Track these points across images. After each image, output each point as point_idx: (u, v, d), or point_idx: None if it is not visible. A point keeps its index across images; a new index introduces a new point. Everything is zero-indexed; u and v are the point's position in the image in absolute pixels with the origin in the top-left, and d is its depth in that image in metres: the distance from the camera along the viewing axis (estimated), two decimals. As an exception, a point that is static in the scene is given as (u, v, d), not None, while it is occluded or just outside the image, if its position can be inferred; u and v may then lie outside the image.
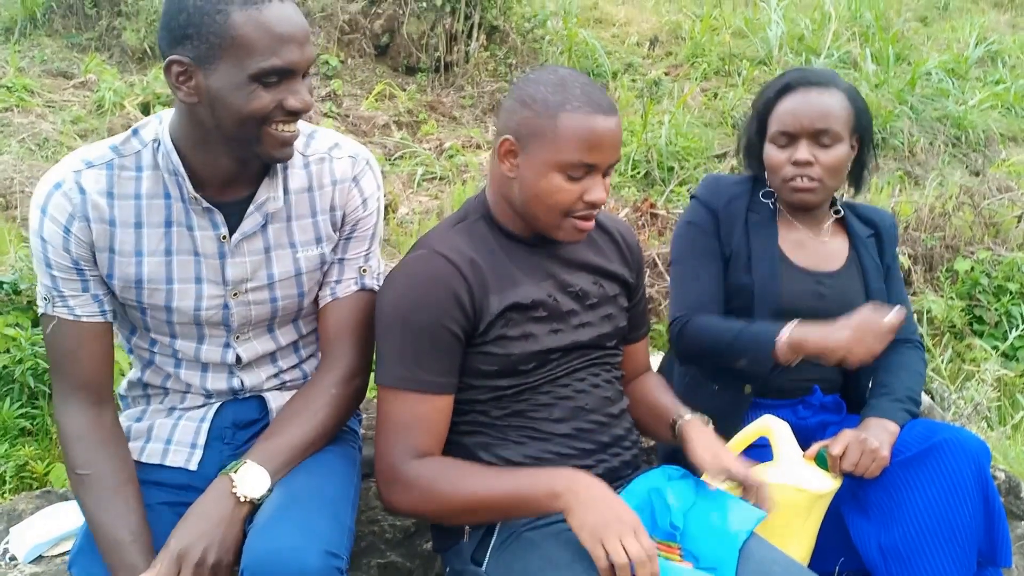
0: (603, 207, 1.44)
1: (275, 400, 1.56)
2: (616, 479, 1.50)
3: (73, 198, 1.35)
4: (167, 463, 1.49)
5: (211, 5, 1.24)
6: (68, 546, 1.69)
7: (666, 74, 6.65)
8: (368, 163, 1.54)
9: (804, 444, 1.71)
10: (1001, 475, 2.10)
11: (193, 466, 1.49)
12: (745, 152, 1.93)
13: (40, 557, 1.70)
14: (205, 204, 1.39)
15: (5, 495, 2.46)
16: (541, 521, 1.39)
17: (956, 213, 4.64)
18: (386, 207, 4.80)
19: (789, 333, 1.66)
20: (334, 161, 1.50)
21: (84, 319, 1.40)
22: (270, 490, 1.35)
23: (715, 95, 6.35)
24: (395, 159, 5.32)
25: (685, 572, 1.32)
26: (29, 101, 5.28)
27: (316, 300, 1.56)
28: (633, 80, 6.53)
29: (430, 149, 5.49)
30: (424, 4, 6.29)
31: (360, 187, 1.52)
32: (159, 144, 1.38)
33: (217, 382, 1.53)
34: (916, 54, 6.96)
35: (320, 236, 1.50)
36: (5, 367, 2.79)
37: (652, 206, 4.37)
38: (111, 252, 1.39)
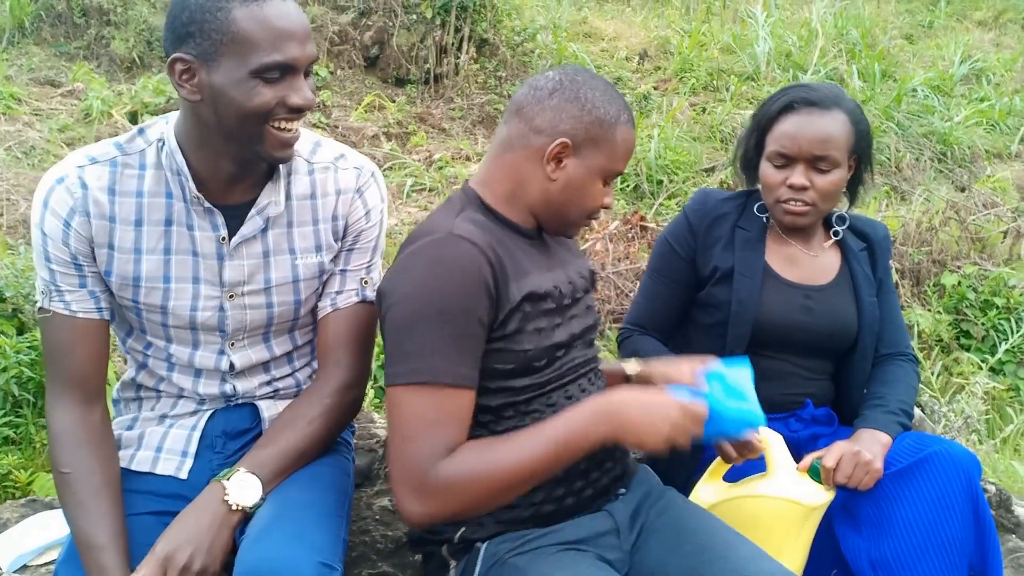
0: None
1: (268, 410, 1.54)
2: (605, 493, 1.47)
3: (75, 192, 1.35)
4: (157, 471, 1.47)
5: (213, 2, 1.24)
6: (53, 555, 1.67)
7: (655, 88, 6.69)
8: (373, 175, 1.54)
9: (796, 457, 1.71)
10: (992, 488, 2.10)
11: (183, 475, 1.47)
12: (742, 164, 1.92)
13: (25, 567, 1.68)
14: (207, 204, 1.39)
15: (-13, 505, 2.43)
16: (526, 546, 1.35)
17: (943, 228, 4.69)
18: (383, 236, 4.79)
19: None
20: (339, 171, 1.50)
21: (80, 315, 1.39)
22: (263, 499, 1.34)
23: (703, 110, 6.39)
24: (384, 170, 5.32)
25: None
26: (16, 109, 5.25)
27: (313, 311, 1.55)
28: (622, 94, 6.57)
29: (419, 160, 5.49)
30: (414, 16, 6.31)
31: (364, 199, 1.52)
32: (163, 144, 1.39)
33: (209, 387, 1.51)
34: (902, 71, 7.04)
35: (320, 244, 1.49)
36: (-11, 375, 2.76)
37: (642, 219, 4.38)
38: (110, 248, 1.38)
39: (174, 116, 1.41)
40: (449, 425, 1.26)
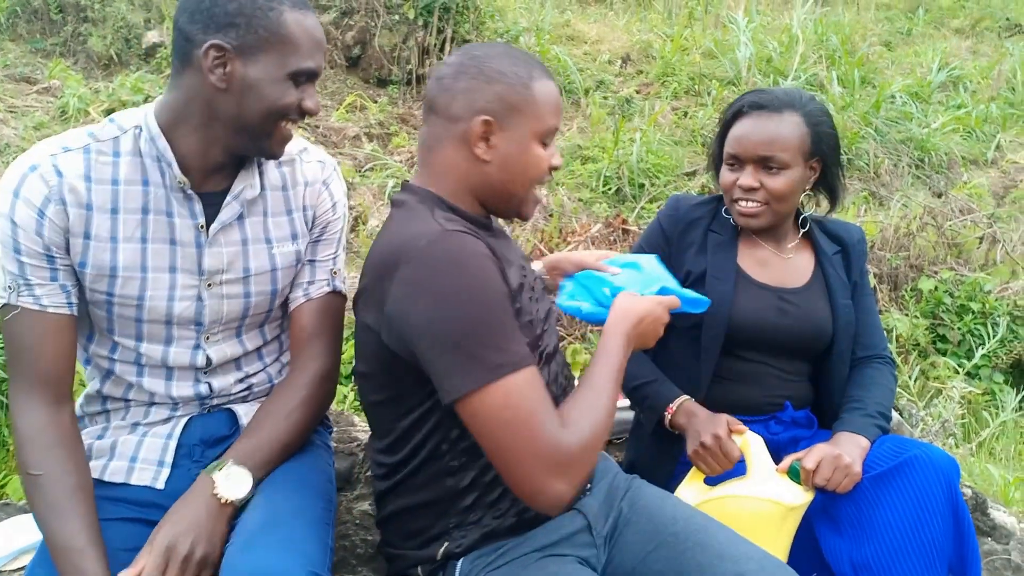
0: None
1: (246, 414, 1.53)
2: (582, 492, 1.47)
3: (50, 180, 1.32)
4: (132, 482, 1.43)
5: (266, 1, 1.30)
6: (26, 560, 1.64)
7: (637, 92, 6.71)
8: (335, 168, 1.60)
9: (776, 459, 1.72)
10: (968, 492, 2.12)
11: (160, 484, 1.43)
12: (714, 170, 1.96)
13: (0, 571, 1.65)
14: (189, 191, 1.39)
15: (-41, 508, 2.38)
16: (502, 559, 1.33)
17: (920, 233, 4.73)
18: (356, 219, 4.77)
19: (677, 407, 1.77)
20: (304, 164, 1.55)
21: (50, 310, 1.34)
22: (252, 492, 1.34)
23: (685, 114, 6.42)
24: (365, 171, 5.29)
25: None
26: (-9, 106, 5.18)
27: (283, 305, 1.57)
28: (605, 97, 6.58)
29: (401, 161, 5.47)
30: (397, 17, 6.29)
31: (330, 191, 1.57)
32: (141, 131, 1.37)
33: (183, 388, 1.48)
34: (881, 78, 7.10)
35: (296, 233, 1.53)
36: (-39, 376, 2.71)
37: (624, 222, 4.39)
38: (86, 238, 1.35)
39: (151, 105, 1.40)
40: (548, 400, 1.23)
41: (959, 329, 4.14)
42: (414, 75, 6.39)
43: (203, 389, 1.50)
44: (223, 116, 1.33)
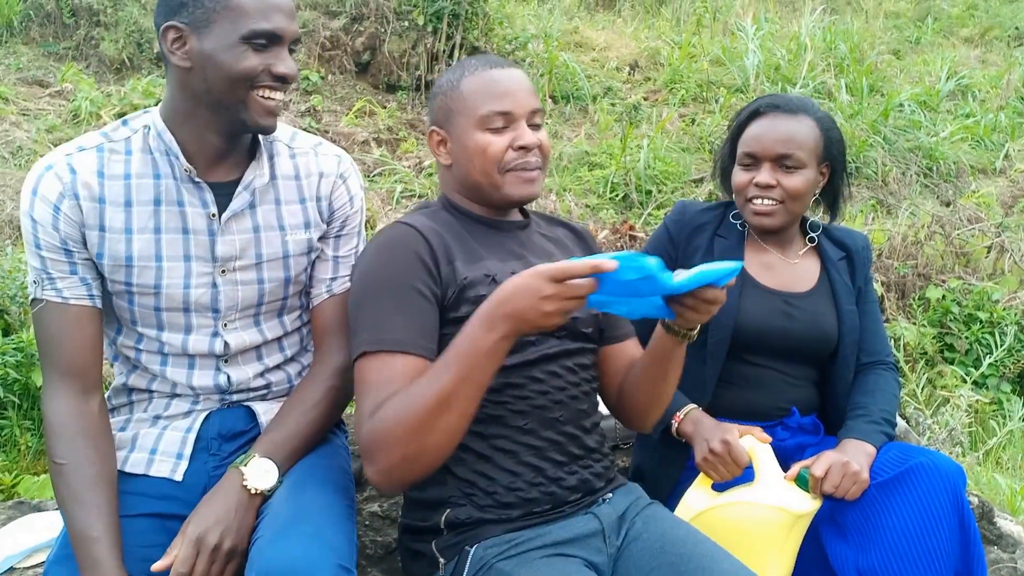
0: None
1: (265, 413, 1.55)
2: (591, 491, 1.49)
3: (64, 177, 1.39)
4: (151, 473, 1.47)
5: None
6: (41, 557, 1.66)
7: (645, 99, 6.72)
8: (352, 164, 1.63)
9: (782, 466, 1.72)
10: (974, 500, 2.12)
11: (178, 477, 1.47)
12: (720, 176, 1.98)
13: (12, 568, 1.66)
14: (196, 179, 1.43)
15: (-29, 507, 2.40)
16: (513, 550, 1.36)
17: (928, 242, 4.73)
18: (364, 223, 4.79)
19: (684, 415, 1.76)
20: (320, 156, 1.58)
21: (72, 302, 1.41)
22: (280, 481, 1.38)
23: (693, 121, 6.43)
24: (374, 176, 5.32)
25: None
26: (3, 109, 5.21)
27: (300, 295, 1.60)
28: (612, 104, 6.59)
29: (409, 167, 5.49)
30: (406, 23, 6.32)
31: (347, 185, 1.60)
32: (149, 129, 1.44)
33: (203, 378, 1.52)
34: (889, 86, 7.10)
35: (308, 221, 1.55)
36: (-27, 376, 2.74)
37: (631, 228, 4.40)
38: (101, 230, 1.41)
39: (156, 107, 1.47)
40: (385, 388, 1.30)
41: (967, 338, 4.14)
42: (423, 81, 6.42)
43: (223, 380, 1.53)
44: (198, 95, 1.38)
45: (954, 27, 9.24)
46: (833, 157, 1.85)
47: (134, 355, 1.52)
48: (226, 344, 1.52)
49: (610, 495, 1.51)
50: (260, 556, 1.24)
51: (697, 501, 1.69)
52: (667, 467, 1.84)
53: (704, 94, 6.82)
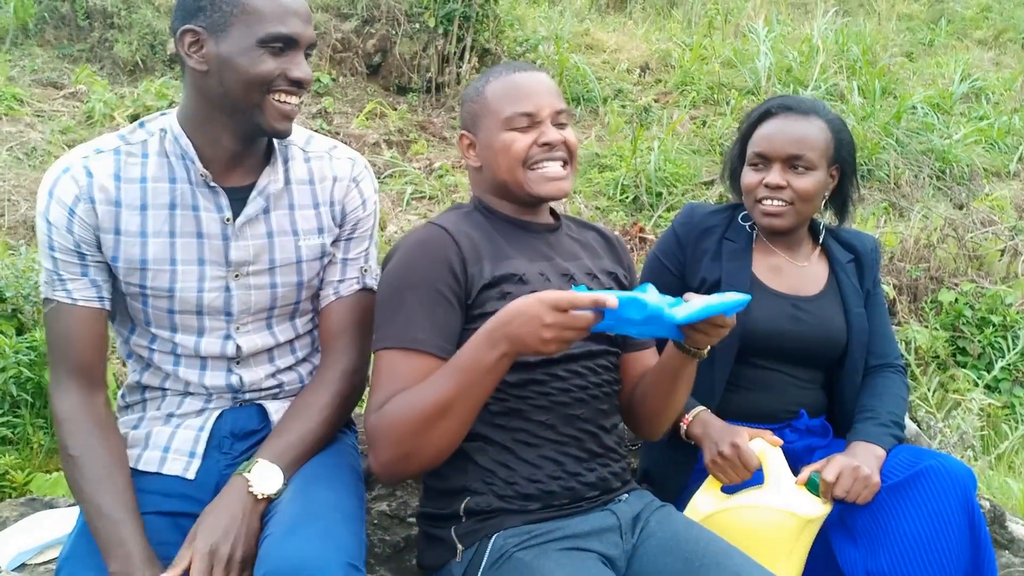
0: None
1: (276, 411, 1.56)
2: (608, 490, 1.51)
3: (80, 180, 1.41)
4: (164, 471, 1.48)
5: None
6: (53, 554, 1.67)
7: (656, 101, 6.72)
8: (366, 167, 1.63)
9: (791, 468, 1.72)
10: (986, 504, 2.11)
11: (191, 475, 1.48)
12: (729, 177, 1.98)
13: (23, 565, 1.68)
14: (212, 183, 1.44)
15: (-16, 504, 2.42)
16: (532, 541, 1.38)
17: (940, 245, 4.70)
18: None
19: (693, 417, 1.75)
20: (334, 160, 1.58)
21: (80, 303, 1.43)
22: (285, 485, 1.39)
23: (704, 123, 6.41)
24: (385, 177, 5.33)
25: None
26: (18, 110, 5.26)
27: (312, 299, 1.60)
28: (623, 106, 6.59)
29: (420, 168, 5.50)
30: (417, 25, 6.34)
31: (360, 188, 1.60)
32: (166, 132, 1.45)
33: (215, 378, 1.53)
34: (902, 88, 7.07)
35: (322, 227, 1.56)
36: (-12, 375, 2.76)
37: (641, 230, 4.40)
38: (116, 233, 1.43)
39: (174, 109, 1.48)
40: (394, 383, 1.37)
41: (979, 342, 4.12)
42: (434, 83, 6.43)
43: (234, 381, 1.54)
44: (214, 99, 1.40)
45: (968, 29, 9.19)
46: (843, 160, 1.85)
47: (147, 354, 1.53)
48: (238, 347, 1.52)
49: (626, 496, 1.53)
50: (269, 555, 1.25)
51: (706, 504, 1.69)
52: (675, 469, 1.84)
53: (715, 96, 6.81)
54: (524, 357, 1.36)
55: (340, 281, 1.58)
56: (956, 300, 4.31)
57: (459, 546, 1.42)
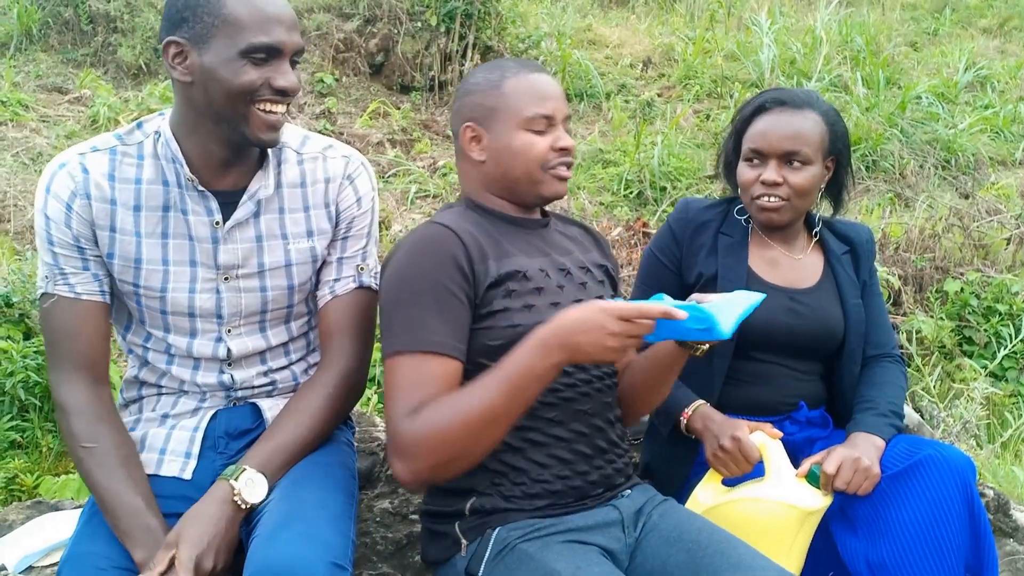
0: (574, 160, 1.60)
1: (270, 409, 1.57)
2: (611, 487, 1.51)
3: (76, 176, 1.42)
4: (162, 473, 1.49)
5: None
6: (58, 556, 1.68)
7: (659, 95, 6.71)
8: (362, 164, 1.61)
9: (792, 460, 1.72)
10: (990, 493, 2.11)
11: (187, 475, 1.49)
12: (724, 171, 1.97)
13: (30, 567, 1.69)
14: (199, 188, 1.45)
15: (-6, 507, 2.44)
16: (535, 532, 1.39)
17: (946, 235, 4.69)
18: (380, 224, 4.82)
19: (693, 411, 1.76)
20: (328, 160, 1.57)
21: (84, 297, 1.45)
22: (269, 493, 1.38)
23: (707, 117, 6.40)
24: (389, 177, 5.35)
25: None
26: (24, 115, 5.29)
27: (307, 301, 1.60)
28: (626, 101, 6.59)
29: (424, 167, 5.51)
30: (419, 24, 6.34)
31: (355, 186, 1.58)
32: (159, 135, 1.46)
33: (208, 377, 1.54)
34: (906, 78, 7.03)
35: (312, 230, 1.55)
36: (-4, 379, 2.79)
37: (645, 225, 4.40)
38: (112, 231, 1.44)
39: (169, 111, 1.48)
40: (417, 388, 1.34)
41: (985, 331, 4.10)
42: (436, 81, 6.44)
43: (226, 379, 1.55)
44: (201, 109, 1.40)
45: (972, 18, 9.14)
46: (838, 151, 1.84)
47: (142, 352, 1.55)
48: (229, 350, 1.53)
49: (628, 491, 1.54)
50: (255, 557, 1.25)
51: (707, 497, 1.69)
52: (676, 463, 1.85)
53: (719, 89, 6.79)
54: None
55: (336, 280, 1.57)
56: (962, 290, 4.29)
57: (463, 540, 1.43)
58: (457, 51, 6.40)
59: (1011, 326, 4.02)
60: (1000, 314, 4.14)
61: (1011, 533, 2.09)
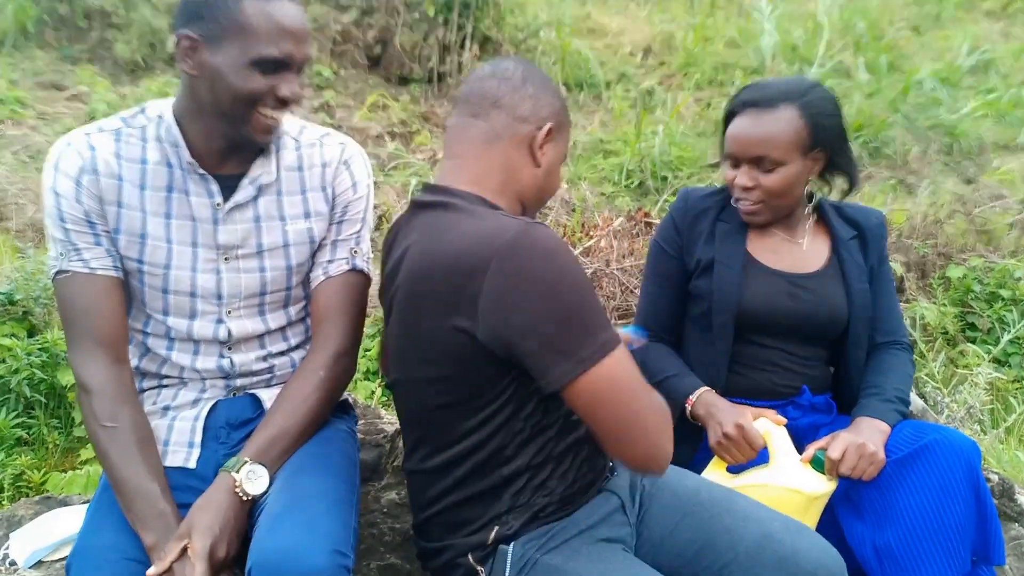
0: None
1: (269, 398, 1.59)
2: (600, 475, 1.47)
3: (84, 153, 1.45)
4: (167, 464, 1.50)
5: None
6: (67, 551, 1.68)
7: (659, 84, 6.69)
8: (359, 152, 1.64)
9: (796, 446, 1.72)
10: (994, 477, 2.10)
11: (192, 464, 1.52)
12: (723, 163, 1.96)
13: (40, 562, 1.70)
14: (200, 171, 1.48)
15: (2, 503, 2.45)
16: (552, 542, 1.35)
17: (949, 221, 4.67)
18: (380, 217, 4.81)
19: (696, 398, 1.77)
20: (324, 147, 1.60)
21: (99, 272, 1.46)
22: (271, 482, 1.41)
23: (708, 105, 6.39)
24: (389, 170, 5.34)
25: None
26: (22, 113, 5.29)
27: (304, 284, 1.62)
28: (627, 90, 6.57)
29: (424, 159, 5.50)
30: (417, 15, 6.32)
31: (351, 171, 1.61)
32: (162, 119, 1.49)
33: (207, 362, 1.56)
34: (909, 63, 7.00)
35: (308, 211, 1.58)
36: (1, 377, 2.79)
37: (646, 215, 4.39)
38: (118, 206, 1.47)
39: (172, 99, 1.51)
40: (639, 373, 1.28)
41: (989, 317, 4.09)
42: (435, 73, 6.43)
43: (226, 364, 1.57)
44: (204, 102, 1.42)
45: (975, 0, 9.09)
46: (826, 141, 1.79)
47: (142, 338, 1.57)
48: (229, 331, 1.55)
49: (616, 472, 1.50)
50: (256, 548, 1.27)
51: (712, 484, 1.70)
52: (681, 450, 1.85)
53: (719, 77, 6.77)
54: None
55: (330, 262, 1.60)
56: (965, 276, 4.28)
57: (479, 568, 1.36)
58: (455, 42, 6.38)
59: (1015, 311, 4.02)
60: (1003, 300, 4.12)
61: (1016, 517, 2.09)
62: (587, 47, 6.93)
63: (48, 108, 5.49)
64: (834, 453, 1.63)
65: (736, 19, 7.80)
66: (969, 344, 3.93)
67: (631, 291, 3.84)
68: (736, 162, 1.81)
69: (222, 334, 1.55)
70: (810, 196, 1.92)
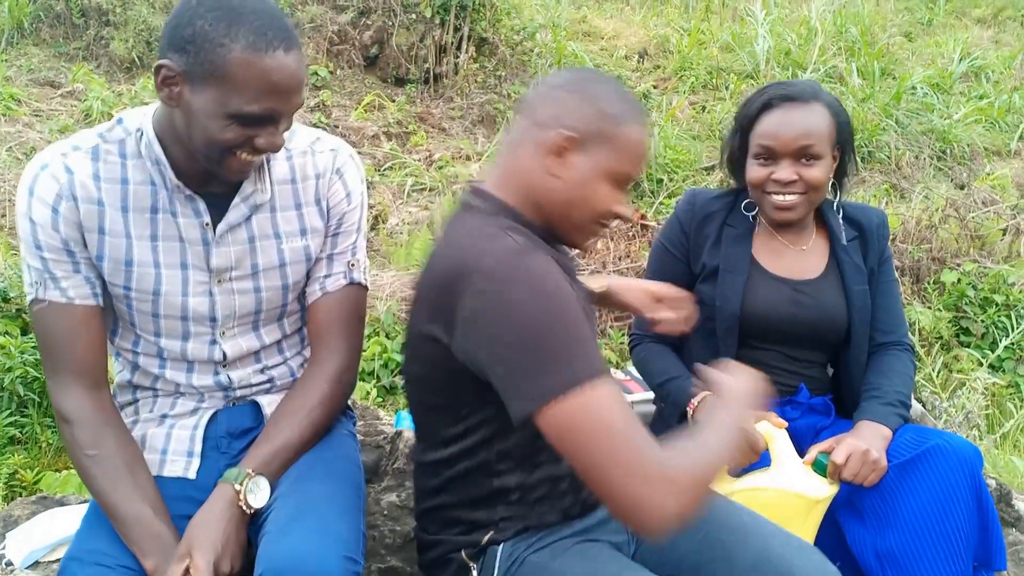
0: None
1: (269, 405, 1.54)
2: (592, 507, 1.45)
3: (60, 178, 1.35)
4: (165, 473, 1.46)
5: (218, 34, 1.23)
6: (62, 552, 1.67)
7: (654, 87, 6.71)
8: (351, 156, 1.56)
9: (797, 448, 1.72)
10: (992, 483, 2.11)
11: (192, 474, 1.47)
12: (728, 166, 1.95)
13: (36, 563, 1.68)
14: (188, 192, 1.40)
15: (-4, 503, 2.44)
16: (541, 542, 1.34)
17: (942, 225, 4.70)
18: (376, 217, 4.80)
19: (699, 402, 1.76)
20: (316, 155, 1.52)
21: (77, 301, 1.38)
22: (271, 494, 1.37)
23: (703, 108, 6.41)
24: (385, 170, 5.33)
25: None
26: (16, 110, 5.25)
27: (300, 298, 1.57)
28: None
29: (420, 160, 5.50)
30: (414, 16, 6.32)
31: (344, 180, 1.53)
32: (142, 134, 1.38)
33: (204, 379, 1.51)
34: (901, 69, 7.05)
35: (305, 228, 1.51)
36: (-6, 375, 2.77)
37: (642, 217, 4.40)
38: (100, 233, 1.38)
39: (153, 106, 1.41)
40: (636, 417, 1.15)
41: (983, 322, 4.12)
42: (431, 73, 6.42)
43: (223, 379, 1.52)
44: (178, 132, 1.33)
45: (967, 7, 9.15)
46: (844, 140, 1.84)
47: (132, 357, 1.51)
48: (224, 353, 1.50)
49: None
50: (266, 554, 1.24)
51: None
52: None
53: (714, 81, 6.79)
54: None
55: (327, 276, 1.54)
56: (959, 280, 4.31)
57: (472, 564, 1.37)
58: (452, 43, 6.37)
59: (1010, 317, 4.04)
60: (997, 304, 4.16)
61: (1013, 523, 2.10)
62: (583, 50, 6.94)
63: (43, 105, 5.46)
64: (838, 457, 1.63)
65: (730, 24, 7.82)
66: (964, 349, 3.95)
67: (627, 294, 3.83)
68: (772, 157, 1.79)
69: (217, 355, 1.49)
70: None
